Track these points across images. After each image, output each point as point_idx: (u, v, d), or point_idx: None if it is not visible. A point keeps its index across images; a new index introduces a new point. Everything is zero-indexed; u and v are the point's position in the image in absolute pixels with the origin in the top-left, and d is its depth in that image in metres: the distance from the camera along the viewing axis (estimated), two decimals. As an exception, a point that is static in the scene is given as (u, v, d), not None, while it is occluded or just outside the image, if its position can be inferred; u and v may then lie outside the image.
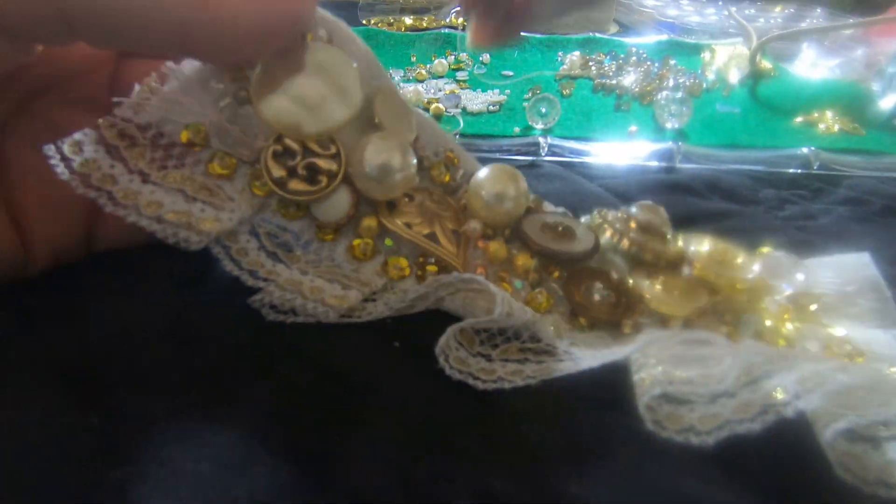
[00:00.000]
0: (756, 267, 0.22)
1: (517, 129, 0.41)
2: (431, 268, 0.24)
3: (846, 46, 0.56)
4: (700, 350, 0.19)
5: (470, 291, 0.22)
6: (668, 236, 0.24)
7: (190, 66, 0.21)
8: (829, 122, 0.43)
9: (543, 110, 0.41)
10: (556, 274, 0.24)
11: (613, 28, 0.67)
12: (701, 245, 0.23)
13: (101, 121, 0.20)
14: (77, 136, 0.20)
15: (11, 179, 0.21)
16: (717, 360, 0.18)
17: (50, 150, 0.19)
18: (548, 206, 0.27)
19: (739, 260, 0.22)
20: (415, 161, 0.23)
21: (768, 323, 0.22)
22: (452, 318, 0.22)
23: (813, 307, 0.22)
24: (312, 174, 0.22)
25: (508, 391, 0.20)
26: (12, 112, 0.21)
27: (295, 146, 0.22)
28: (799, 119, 0.44)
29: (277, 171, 0.22)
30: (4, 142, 0.21)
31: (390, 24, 0.63)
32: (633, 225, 0.24)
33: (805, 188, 0.35)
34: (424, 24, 0.63)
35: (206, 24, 0.19)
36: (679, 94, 0.42)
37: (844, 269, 0.24)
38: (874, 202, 0.33)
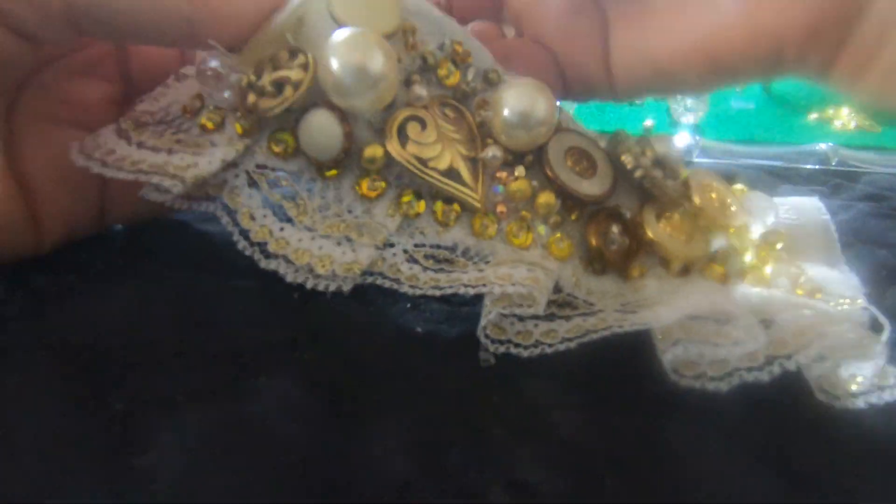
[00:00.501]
0: (743, 212, 0.24)
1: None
2: (447, 206, 0.22)
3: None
4: (703, 302, 0.20)
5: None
6: (680, 174, 0.24)
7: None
8: (844, 118, 0.43)
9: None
10: (575, 215, 0.23)
11: None
12: (703, 184, 0.24)
13: (121, 118, 0.21)
14: (100, 131, 0.21)
15: (22, 153, 0.21)
16: (724, 314, 0.19)
17: (73, 147, 0.20)
18: (567, 120, 0.25)
19: (732, 205, 0.24)
20: (394, 63, 0.20)
21: (748, 257, 0.24)
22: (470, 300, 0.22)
23: (779, 245, 0.24)
24: (280, 88, 0.20)
25: (531, 376, 0.20)
26: (20, 85, 0.21)
27: (266, 69, 0.20)
28: (814, 115, 0.43)
29: (250, 98, 0.20)
30: (14, 115, 0.21)
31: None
32: (650, 155, 0.23)
33: (823, 184, 0.35)
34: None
35: (209, 19, 0.20)
36: (694, 89, 0.42)
37: (801, 210, 0.26)
38: (893, 198, 0.33)
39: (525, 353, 0.20)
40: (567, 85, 0.26)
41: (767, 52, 0.23)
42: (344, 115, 0.20)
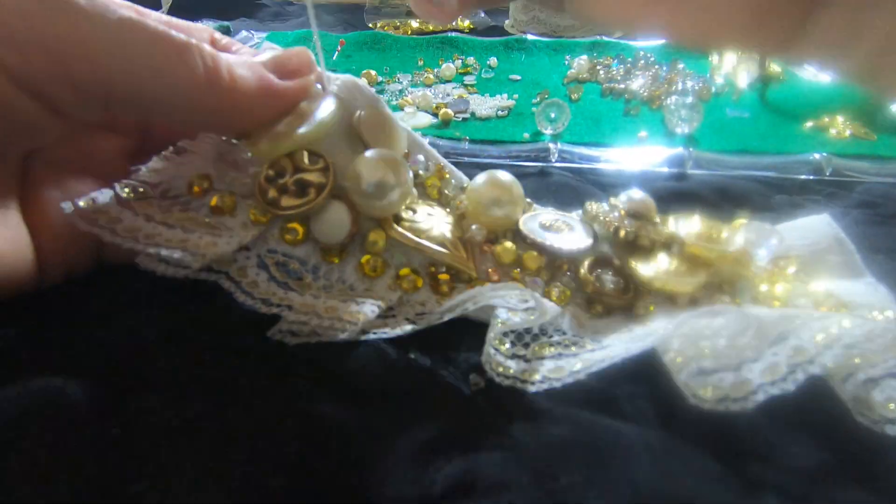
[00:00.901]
0: (739, 237, 0.24)
1: (527, 135, 0.41)
2: (443, 276, 0.24)
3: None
4: (715, 321, 0.20)
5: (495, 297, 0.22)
6: (657, 220, 0.25)
7: (206, 142, 0.24)
8: (839, 127, 0.42)
9: (553, 115, 0.41)
10: (565, 267, 0.25)
11: (620, 31, 0.66)
12: (688, 224, 0.25)
13: (117, 184, 0.22)
14: (94, 193, 0.22)
15: (34, 205, 0.22)
16: (736, 329, 0.19)
17: (67, 206, 0.21)
18: (538, 208, 0.28)
19: (724, 234, 0.24)
20: (410, 175, 0.24)
21: (763, 287, 0.23)
22: (460, 324, 0.22)
23: (791, 269, 0.24)
24: (302, 188, 0.23)
25: (526, 398, 0.20)
26: (28, 157, 0.22)
27: (286, 166, 0.23)
28: (809, 124, 0.43)
29: (271, 193, 0.23)
30: (33, 168, 0.22)
31: (396, 28, 0.63)
32: (623, 213, 0.25)
33: (818, 193, 0.35)
34: (430, 28, 0.63)
35: (229, 117, 0.22)
36: (689, 99, 0.42)
37: (811, 230, 0.25)
38: (888, 205, 0.33)
39: (532, 389, 0.20)
40: None
41: None
42: (353, 207, 0.23)
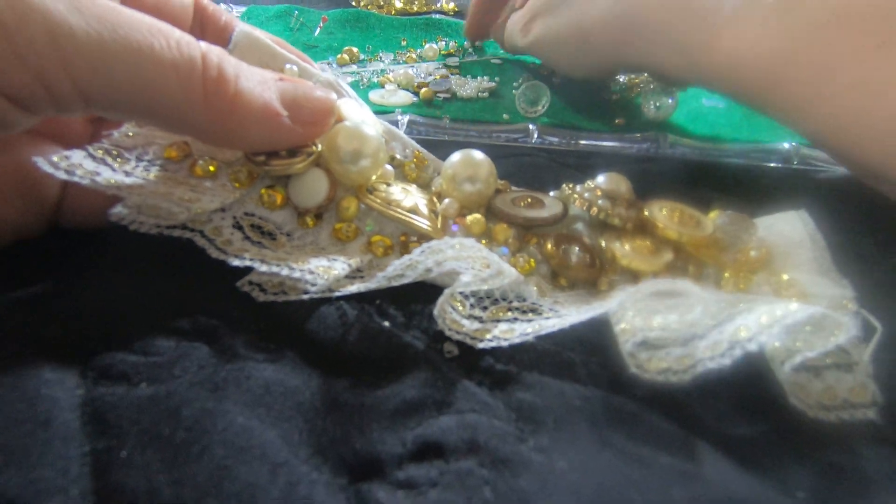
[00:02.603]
0: (711, 224, 0.25)
1: (506, 116, 0.41)
2: (414, 244, 0.24)
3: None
4: (671, 300, 0.21)
5: (456, 260, 0.22)
6: (632, 201, 0.26)
7: None
8: (809, 118, 0.44)
9: (532, 97, 0.41)
10: (534, 241, 0.25)
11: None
12: (662, 208, 0.25)
13: (88, 146, 0.22)
14: (65, 152, 0.21)
15: None
16: (687, 307, 0.20)
17: (39, 160, 0.20)
18: (514, 189, 0.29)
19: (697, 220, 0.25)
20: (383, 147, 0.25)
21: (726, 275, 0.24)
22: (427, 288, 0.23)
23: (762, 259, 0.24)
24: (292, 153, 0.24)
25: (488, 357, 0.21)
26: None
27: None
28: (780, 115, 0.45)
29: (260, 157, 0.24)
30: None
31: (380, 7, 0.63)
32: (598, 193, 0.26)
33: (785, 180, 0.36)
34: (415, 8, 0.63)
35: (219, 131, 0.21)
36: (666, 87, 0.43)
37: (786, 224, 0.26)
38: (849, 190, 0.34)
39: (480, 345, 0.20)
40: None
41: None
42: (331, 175, 0.25)
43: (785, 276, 0.24)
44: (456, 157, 0.26)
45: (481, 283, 0.21)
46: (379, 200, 0.25)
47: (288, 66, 0.27)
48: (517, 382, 0.20)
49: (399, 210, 0.25)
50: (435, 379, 0.20)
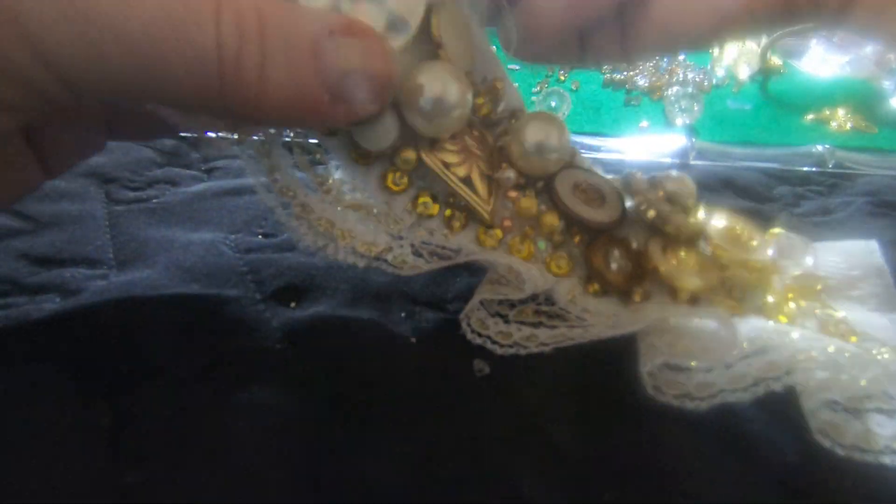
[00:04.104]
0: (769, 249, 0.23)
1: (527, 123, 0.40)
2: (458, 221, 0.23)
3: (855, 44, 0.55)
4: (702, 324, 0.20)
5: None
6: (692, 208, 0.24)
7: None
8: (840, 119, 0.42)
9: (553, 104, 0.40)
10: (578, 238, 0.24)
11: None
12: (720, 221, 0.24)
13: None
14: None
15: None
16: (717, 334, 0.19)
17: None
18: (582, 161, 0.26)
19: (755, 242, 0.23)
20: (471, 96, 0.22)
21: (770, 299, 0.22)
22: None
23: (818, 288, 0.23)
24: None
25: (529, 388, 0.20)
26: None
27: None
28: (810, 116, 0.43)
29: None
30: None
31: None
32: (661, 194, 0.24)
33: (820, 185, 0.34)
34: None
35: (245, 123, 0.18)
36: (690, 90, 0.42)
37: (851, 254, 0.24)
38: (889, 196, 0.32)
39: (499, 351, 0.20)
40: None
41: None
42: (404, 122, 0.21)
43: (834, 311, 0.22)
44: (530, 118, 0.23)
45: (516, 295, 0.21)
46: (438, 160, 0.22)
47: None
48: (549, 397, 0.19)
49: (454, 177, 0.22)
50: (461, 396, 0.19)
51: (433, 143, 0.22)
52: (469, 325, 0.20)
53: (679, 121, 0.41)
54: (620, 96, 0.46)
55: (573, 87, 0.47)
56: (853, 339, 0.21)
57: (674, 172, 0.24)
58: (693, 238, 0.23)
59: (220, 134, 0.20)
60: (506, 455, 0.17)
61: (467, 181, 0.23)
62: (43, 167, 0.20)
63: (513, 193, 0.23)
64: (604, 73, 0.49)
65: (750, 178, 0.34)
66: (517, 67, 0.50)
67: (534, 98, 0.43)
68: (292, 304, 0.22)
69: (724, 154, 0.37)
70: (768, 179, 0.34)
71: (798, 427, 0.19)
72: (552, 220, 0.23)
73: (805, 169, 0.36)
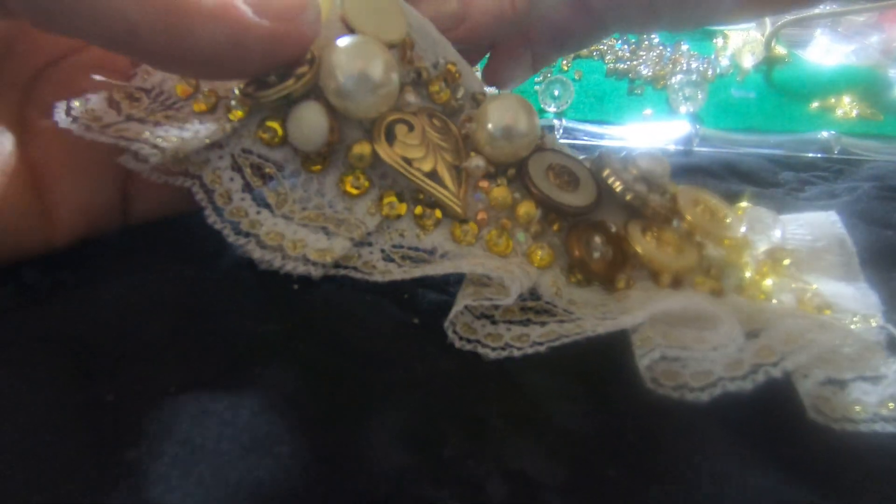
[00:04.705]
0: (742, 225, 0.23)
1: (530, 112, 0.40)
2: (429, 220, 0.22)
3: (860, 33, 0.55)
4: (691, 311, 0.19)
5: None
6: (667, 188, 0.24)
7: None
8: (846, 107, 0.42)
9: (556, 93, 0.40)
10: (557, 226, 0.23)
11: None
12: (693, 198, 0.24)
13: (113, 90, 0.21)
14: (89, 95, 0.20)
15: (36, 145, 0.20)
16: (709, 321, 0.19)
17: (59, 106, 0.19)
18: (552, 142, 0.25)
19: (728, 218, 0.23)
20: (396, 74, 0.20)
21: (748, 275, 0.23)
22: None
23: (787, 262, 0.23)
24: (283, 75, 0.20)
25: (532, 368, 0.19)
26: (32, 80, 0.21)
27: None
28: (815, 104, 0.43)
29: (250, 87, 0.20)
30: (28, 108, 0.21)
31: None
32: (634, 172, 0.23)
33: (825, 171, 0.34)
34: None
35: (157, 31, 0.16)
36: (694, 78, 0.42)
37: (814, 225, 0.25)
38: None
39: (492, 355, 0.19)
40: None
41: None
42: (333, 111, 0.20)
43: (807, 285, 0.23)
44: (494, 102, 0.22)
45: (500, 301, 0.20)
46: (396, 154, 0.21)
47: None
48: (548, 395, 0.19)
49: (418, 172, 0.21)
50: (463, 389, 0.19)
51: (391, 139, 0.21)
52: (455, 331, 0.19)
53: (683, 109, 0.41)
54: (624, 85, 0.46)
55: (576, 77, 0.46)
56: (827, 311, 0.22)
57: (650, 153, 0.24)
58: (669, 217, 0.23)
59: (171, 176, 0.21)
60: (508, 433, 0.17)
61: (433, 175, 0.22)
62: (48, 222, 0.21)
63: (484, 183, 0.22)
64: (607, 63, 0.49)
65: (754, 163, 0.34)
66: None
67: (536, 87, 0.43)
68: (295, 286, 0.22)
69: (728, 141, 0.37)
70: (773, 165, 0.34)
71: (793, 404, 0.19)
72: (529, 208, 0.22)
73: (810, 155, 0.36)
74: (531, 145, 0.22)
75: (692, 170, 0.33)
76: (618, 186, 0.23)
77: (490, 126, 0.22)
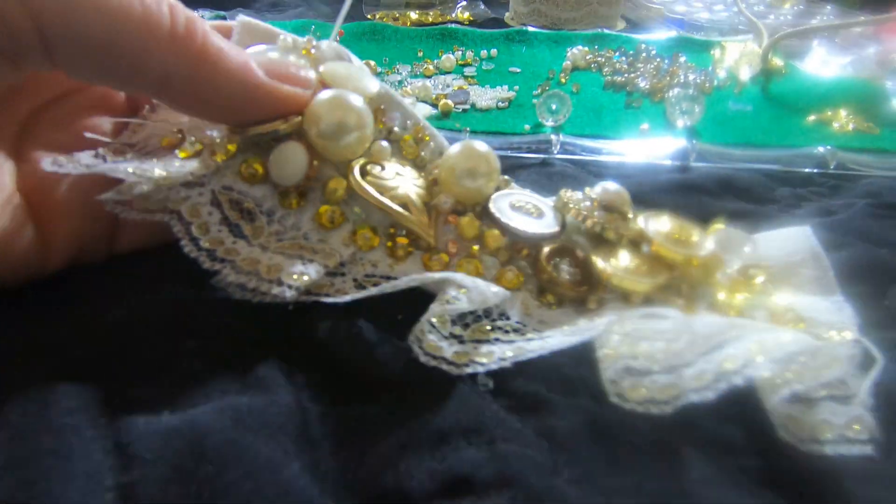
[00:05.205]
0: (709, 244, 0.23)
1: (527, 127, 0.40)
2: (402, 239, 0.23)
3: (857, 44, 0.55)
4: (659, 324, 0.20)
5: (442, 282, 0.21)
6: (630, 215, 0.25)
7: None
8: (843, 120, 0.42)
9: (554, 107, 0.40)
10: (525, 252, 0.24)
11: (621, 24, 0.66)
12: (659, 223, 0.24)
13: (100, 147, 0.22)
14: (77, 154, 0.21)
15: (35, 182, 0.21)
16: (675, 333, 0.19)
17: (45, 164, 0.20)
18: (516, 187, 0.27)
19: (695, 237, 0.24)
20: (370, 120, 0.23)
21: (721, 296, 0.23)
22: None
23: (759, 279, 0.23)
24: (269, 121, 0.22)
25: (518, 380, 0.20)
26: (31, 116, 0.22)
27: None
28: (812, 117, 0.43)
29: (236, 127, 0.23)
30: (26, 144, 0.22)
31: (395, 19, 0.63)
32: (596, 204, 0.25)
33: (821, 186, 0.34)
34: (430, 19, 0.63)
35: (187, 80, 0.20)
36: (691, 91, 0.42)
37: (788, 241, 0.25)
38: (892, 198, 0.32)
39: (455, 371, 0.19)
40: None
41: None
42: (313, 150, 0.23)
43: (780, 300, 0.23)
44: (457, 147, 0.24)
45: (470, 305, 0.20)
46: (369, 188, 0.23)
47: (281, 36, 0.25)
48: (547, 407, 0.19)
49: (389, 201, 0.23)
50: (462, 403, 0.19)
51: (363, 175, 0.23)
52: (421, 348, 0.19)
53: (680, 122, 0.41)
54: (621, 99, 0.46)
55: (574, 90, 0.47)
56: (801, 325, 0.22)
57: (607, 184, 0.25)
58: (636, 241, 0.24)
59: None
60: (503, 436, 0.17)
61: (405, 206, 0.23)
62: (44, 252, 0.21)
63: (452, 217, 0.24)
64: (605, 76, 0.49)
65: (750, 179, 0.34)
66: (518, 70, 0.50)
67: (534, 101, 0.43)
68: (290, 307, 0.22)
69: (724, 156, 0.37)
70: (769, 181, 0.34)
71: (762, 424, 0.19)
72: (495, 237, 0.23)
73: (807, 170, 0.36)
74: (493, 185, 0.25)
75: (688, 187, 0.33)
76: (579, 215, 0.24)
77: (454, 168, 0.24)
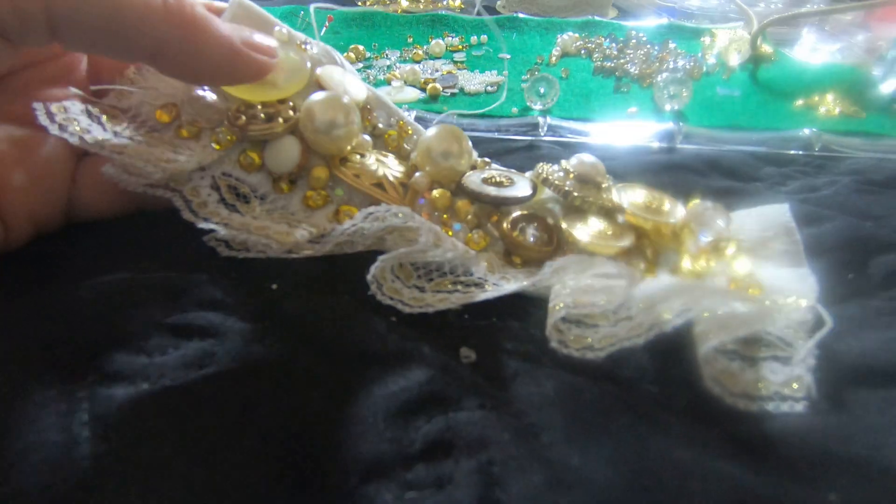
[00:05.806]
0: (680, 212, 0.24)
1: (515, 110, 0.40)
2: None
3: (846, 31, 0.55)
4: (609, 282, 0.21)
5: (405, 230, 0.23)
6: (605, 186, 0.26)
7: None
8: (829, 105, 0.42)
9: (542, 91, 0.40)
10: (495, 218, 0.25)
11: (612, 12, 0.66)
12: (633, 194, 0.25)
13: (87, 103, 0.23)
14: (66, 102, 0.22)
15: None
16: (622, 289, 0.20)
17: (38, 107, 0.21)
18: (494, 166, 0.28)
19: (666, 206, 0.24)
20: (357, 118, 0.25)
21: (686, 263, 0.24)
22: None
23: (730, 250, 0.24)
24: (269, 118, 0.25)
25: (503, 358, 0.20)
26: None
27: (257, 105, 0.25)
28: (799, 102, 0.43)
29: (241, 120, 0.24)
30: None
31: (386, 5, 0.62)
32: (571, 176, 0.25)
33: (807, 165, 0.34)
34: (421, 6, 0.62)
35: (179, 48, 0.21)
36: (679, 76, 0.42)
37: (763, 217, 0.26)
38: (877, 176, 0.32)
39: (406, 310, 0.21)
40: None
41: None
42: (305, 143, 0.25)
43: (742, 268, 0.23)
44: (432, 130, 0.26)
45: (418, 252, 0.21)
46: (349, 171, 0.25)
47: (277, 28, 0.27)
48: (528, 376, 0.19)
49: (367, 182, 0.25)
50: (443, 373, 0.19)
51: (344, 163, 0.26)
52: (380, 290, 0.21)
53: (668, 106, 0.41)
54: (610, 83, 0.46)
55: (563, 75, 0.47)
56: (757, 291, 0.22)
57: (583, 155, 0.26)
58: (609, 211, 0.25)
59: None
60: (482, 425, 0.17)
61: (380, 185, 0.26)
62: (3, 224, 0.21)
63: (427, 193, 0.26)
64: (594, 61, 0.49)
65: (736, 159, 0.34)
66: (508, 56, 0.50)
67: (523, 85, 0.43)
68: (273, 286, 0.22)
69: (711, 138, 0.37)
70: (755, 161, 0.35)
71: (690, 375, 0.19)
72: (465, 205, 0.25)
73: (792, 152, 0.36)
74: (467, 165, 0.26)
75: (675, 167, 0.33)
76: (552, 183, 0.25)
77: (429, 149, 0.26)
